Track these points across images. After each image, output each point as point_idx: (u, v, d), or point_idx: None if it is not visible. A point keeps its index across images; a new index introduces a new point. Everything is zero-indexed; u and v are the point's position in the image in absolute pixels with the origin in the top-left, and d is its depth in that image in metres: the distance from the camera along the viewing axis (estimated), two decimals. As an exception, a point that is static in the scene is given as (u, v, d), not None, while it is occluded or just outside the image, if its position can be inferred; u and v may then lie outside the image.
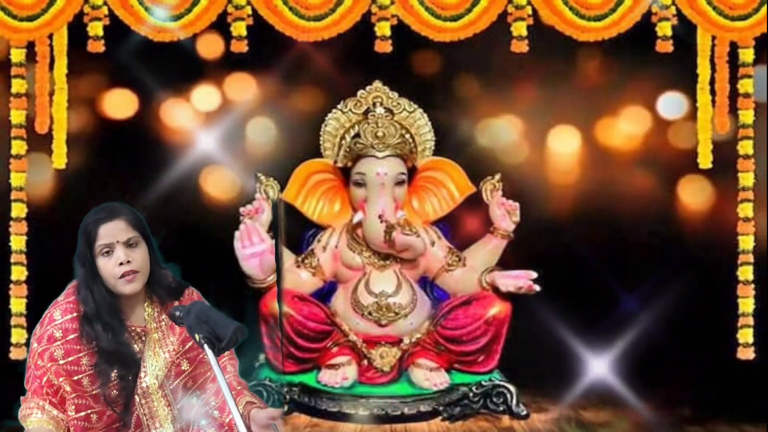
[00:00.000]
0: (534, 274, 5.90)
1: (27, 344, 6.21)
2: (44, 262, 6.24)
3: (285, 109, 6.53)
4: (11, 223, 6.41)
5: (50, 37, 6.30)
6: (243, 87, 6.53)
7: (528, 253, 6.16)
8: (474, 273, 6.07)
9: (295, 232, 6.17)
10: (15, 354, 6.34)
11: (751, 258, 6.47)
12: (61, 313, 3.14)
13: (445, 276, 6.15)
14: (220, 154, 6.49)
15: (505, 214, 6.12)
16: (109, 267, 3.11)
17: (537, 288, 5.88)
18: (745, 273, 6.47)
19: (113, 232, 3.11)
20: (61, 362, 3.10)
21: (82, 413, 3.13)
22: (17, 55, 6.35)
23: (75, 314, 3.13)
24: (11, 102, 6.39)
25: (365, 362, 5.97)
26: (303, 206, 6.19)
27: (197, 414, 3.19)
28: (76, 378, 3.11)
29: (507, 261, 6.10)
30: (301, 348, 5.91)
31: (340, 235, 6.16)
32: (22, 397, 3.18)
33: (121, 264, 3.10)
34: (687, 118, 6.52)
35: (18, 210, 6.41)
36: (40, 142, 6.38)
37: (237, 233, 5.91)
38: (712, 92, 6.38)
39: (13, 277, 6.39)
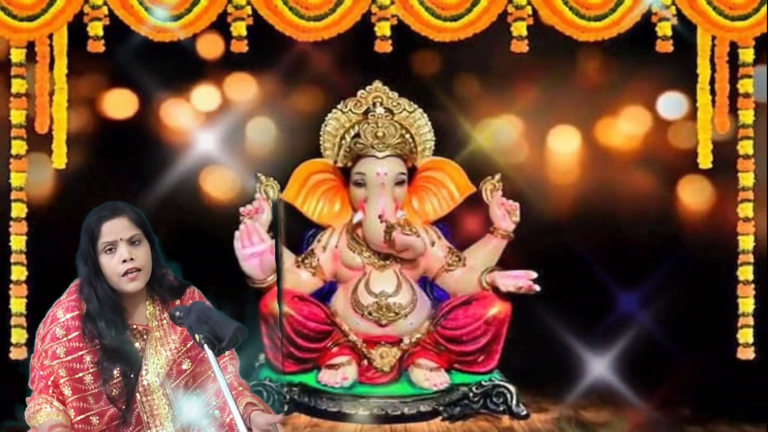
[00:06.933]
0: (534, 274, 5.90)
1: (27, 344, 6.24)
2: (44, 262, 6.25)
3: (285, 109, 6.53)
4: (11, 223, 6.41)
5: (50, 37, 6.30)
6: (243, 87, 6.53)
7: (528, 253, 6.15)
8: (474, 273, 6.06)
9: (295, 232, 6.16)
10: (15, 354, 6.33)
11: (751, 258, 6.47)
12: (63, 311, 3.15)
13: (445, 276, 6.14)
14: (220, 154, 6.49)
15: (505, 214, 6.12)
16: (112, 264, 3.11)
17: (537, 288, 5.88)
18: (745, 273, 6.47)
19: (116, 229, 3.12)
20: (64, 360, 3.11)
21: (82, 416, 3.13)
22: (17, 55, 6.35)
23: (77, 312, 3.14)
24: (11, 102, 6.38)
25: (365, 362, 5.97)
26: (303, 206, 6.18)
27: (198, 414, 3.19)
28: (78, 376, 3.11)
29: (507, 261, 6.10)
30: (301, 348, 5.91)
31: (340, 235, 6.16)
32: (27, 398, 3.17)
33: (124, 261, 3.11)
34: (687, 118, 6.51)
35: (18, 210, 6.41)
36: (40, 142, 6.38)
37: (237, 233, 5.91)
38: (712, 92, 6.38)
39: (13, 277, 6.39)
